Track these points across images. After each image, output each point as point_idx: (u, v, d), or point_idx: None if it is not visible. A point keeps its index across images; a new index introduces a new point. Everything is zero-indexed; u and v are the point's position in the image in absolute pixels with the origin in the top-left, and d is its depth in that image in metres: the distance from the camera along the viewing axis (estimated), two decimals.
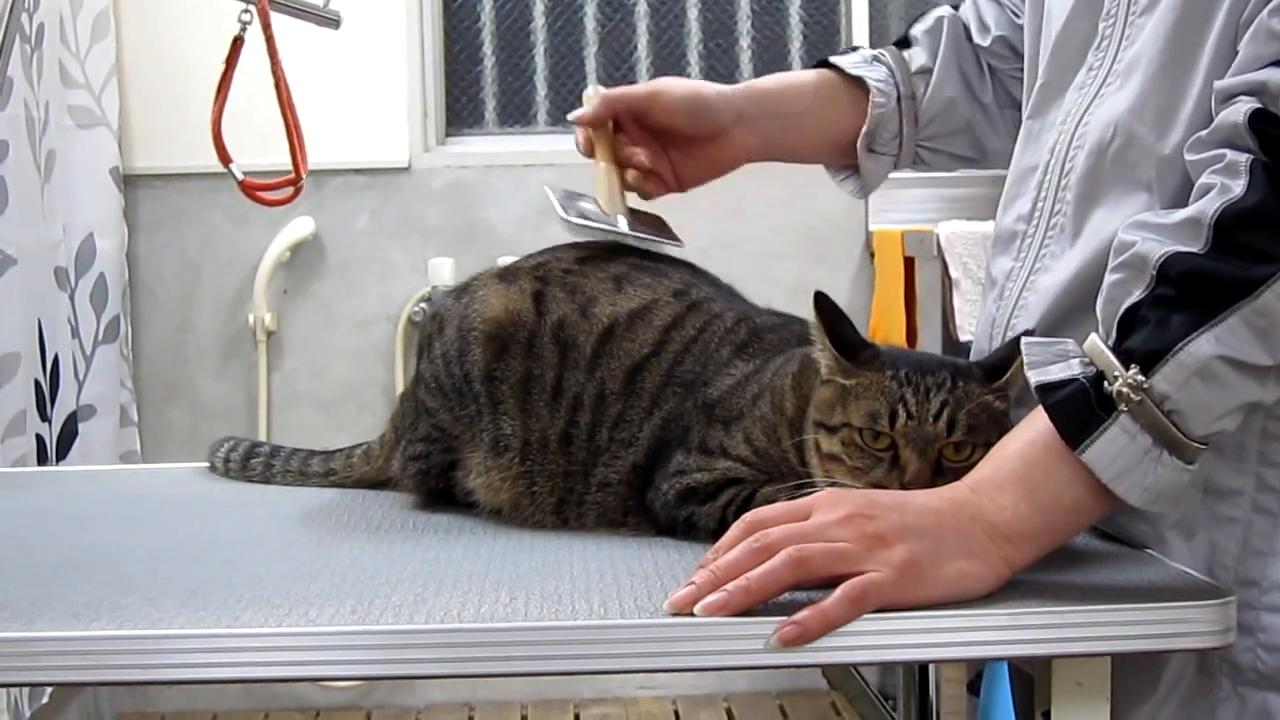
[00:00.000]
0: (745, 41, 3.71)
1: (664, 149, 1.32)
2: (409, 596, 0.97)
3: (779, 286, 2.98)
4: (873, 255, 3.58)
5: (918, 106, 1.36)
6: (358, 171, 3.55)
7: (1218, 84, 0.98)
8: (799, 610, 0.89)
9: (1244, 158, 0.93)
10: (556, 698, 3.58)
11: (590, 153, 1.30)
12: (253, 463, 1.43)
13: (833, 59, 1.36)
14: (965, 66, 1.38)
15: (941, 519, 0.94)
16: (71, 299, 3.24)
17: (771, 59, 3.71)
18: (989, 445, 1.01)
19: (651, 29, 3.71)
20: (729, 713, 3.53)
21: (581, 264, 1.24)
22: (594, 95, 1.31)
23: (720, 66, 3.72)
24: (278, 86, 1.97)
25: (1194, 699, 1.04)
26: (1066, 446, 0.94)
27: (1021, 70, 1.32)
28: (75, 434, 3.20)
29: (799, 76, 1.37)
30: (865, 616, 0.89)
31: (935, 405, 1.02)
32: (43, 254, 3.10)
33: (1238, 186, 0.93)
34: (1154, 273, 0.94)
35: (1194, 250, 0.93)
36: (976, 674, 2.75)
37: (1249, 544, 1.03)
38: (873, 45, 1.44)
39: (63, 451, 3.15)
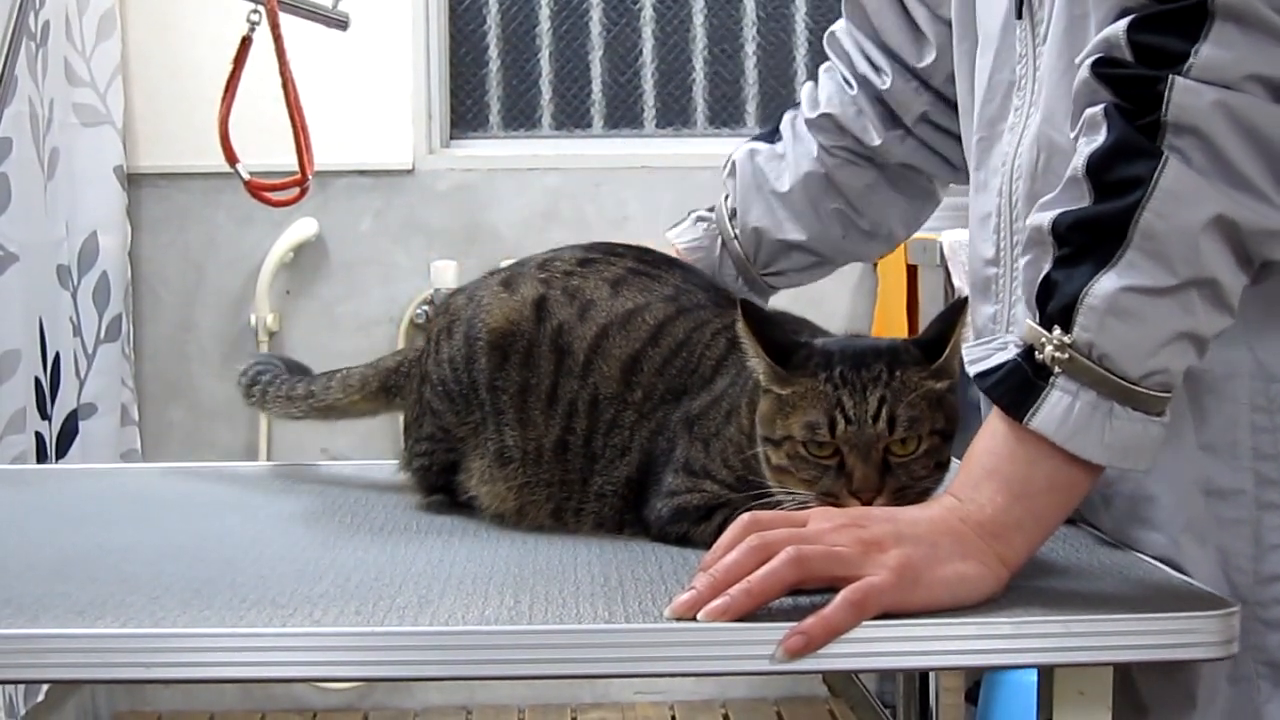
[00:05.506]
0: (750, 47, 3.71)
1: None
2: (413, 598, 0.97)
3: (780, 293, 2.97)
4: (875, 263, 3.57)
5: (743, 245, 1.45)
6: (361, 173, 3.55)
7: (1077, 60, 1.00)
8: (800, 615, 0.89)
9: (1099, 108, 0.95)
10: (554, 702, 3.58)
11: None
12: (253, 389, 1.48)
13: (667, 233, 1.48)
14: (768, 190, 1.44)
15: (933, 525, 0.94)
16: (73, 297, 3.24)
17: (777, 65, 3.71)
18: (934, 432, 1.02)
19: (657, 33, 3.71)
20: (726, 719, 3.52)
21: (584, 266, 1.25)
22: None
23: (725, 72, 3.72)
24: (285, 87, 1.96)
25: (1235, 710, 1.03)
26: (1019, 425, 0.94)
27: (845, 146, 1.42)
28: (75, 432, 3.20)
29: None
30: (869, 624, 0.90)
31: (873, 404, 1.01)
32: (45, 251, 3.10)
33: (1100, 135, 0.95)
34: (1051, 239, 0.96)
35: (1081, 206, 0.95)
36: (975, 683, 2.75)
37: (1261, 541, 1.04)
38: None
39: (62, 450, 3.15)
